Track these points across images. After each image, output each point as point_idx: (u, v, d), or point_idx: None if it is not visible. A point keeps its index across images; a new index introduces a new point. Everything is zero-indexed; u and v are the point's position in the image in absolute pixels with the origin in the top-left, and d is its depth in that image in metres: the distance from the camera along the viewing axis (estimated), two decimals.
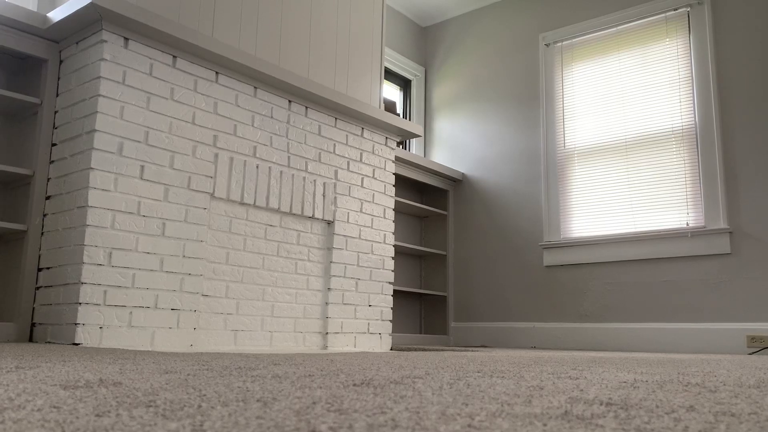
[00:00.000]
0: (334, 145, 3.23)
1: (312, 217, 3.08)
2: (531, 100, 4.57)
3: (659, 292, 3.82)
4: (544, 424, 0.57)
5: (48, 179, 2.46)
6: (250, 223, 2.83)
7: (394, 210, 3.50)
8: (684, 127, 3.90)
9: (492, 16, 4.92)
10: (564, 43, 4.49)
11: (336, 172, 3.22)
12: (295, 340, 2.97)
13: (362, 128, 3.39)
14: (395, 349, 3.35)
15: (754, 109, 3.68)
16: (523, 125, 4.58)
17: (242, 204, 2.80)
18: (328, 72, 3.30)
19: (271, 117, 2.95)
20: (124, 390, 0.76)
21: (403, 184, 4.59)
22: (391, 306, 3.43)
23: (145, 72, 2.48)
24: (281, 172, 2.95)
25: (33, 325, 2.36)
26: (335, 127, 3.25)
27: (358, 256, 3.28)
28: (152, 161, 2.46)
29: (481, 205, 4.66)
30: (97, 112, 2.31)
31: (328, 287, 3.11)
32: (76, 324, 2.17)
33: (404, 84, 5.19)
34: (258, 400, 0.69)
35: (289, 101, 3.04)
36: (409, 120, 5.11)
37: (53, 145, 2.48)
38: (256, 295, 2.82)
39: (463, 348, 3.86)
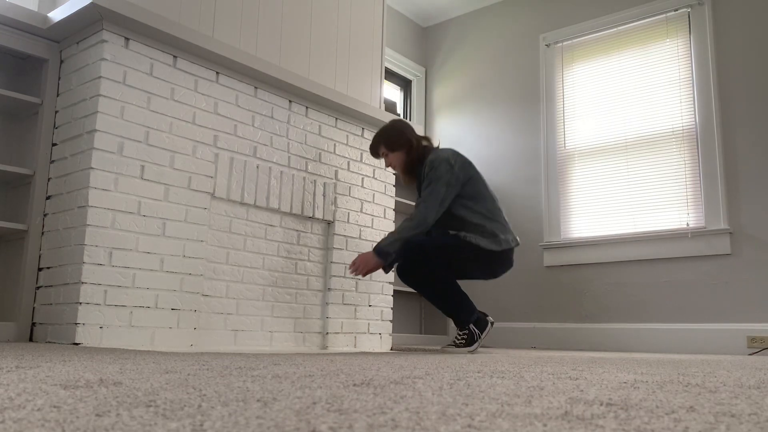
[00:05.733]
0: (335, 145, 3.23)
1: (312, 217, 3.08)
2: (531, 100, 4.57)
3: (659, 292, 3.82)
4: (544, 425, 0.57)
5: (48, 179, 2.46)
6: (250, 222, 2.83)
7: (394, 210, 3.50)
8: (684, 128, 3.90)
9: (492, 16, 4.92)
10: (564, 43, 4.48)
11: (336, 172, 3.22)
12: (295, 340, 2.97)
13: (362, 128, 3.39)
14: (395, 349, 3.35)
15: (755, 110, 3.68)
16: (524, 125, 4.58)
17: (242, 204, 2.80)
18: (329, 72, 3.30)
19: (272, 117, 2.95)
20: (125, 390, 0.77)
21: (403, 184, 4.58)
22: (391, 306, 3.43)
23: (146, 72, 2.48)
24: (281, 172, 2.95)
25: (33, 324, 2.36)
26: (335, 127, 3.25)
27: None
28: (152, 161, 2.46)
29: None
30: (97, 111, 2.31)
31: (328, 287, 3.11)
32: (76, 324, 2.17)
33: (405, 84, 5.19)
34: (258, 400, 0.69)
35: (290, 101, 3.04)
36: (410, 120, 5.11)
37: (54, 144, 2.49)
38: (256, 295, 2.82)
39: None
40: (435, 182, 2.77)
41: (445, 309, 2.84)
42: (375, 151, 3.03)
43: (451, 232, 2.81)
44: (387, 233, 2.96)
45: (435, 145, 3.07)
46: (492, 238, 2.78)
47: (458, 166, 2.84)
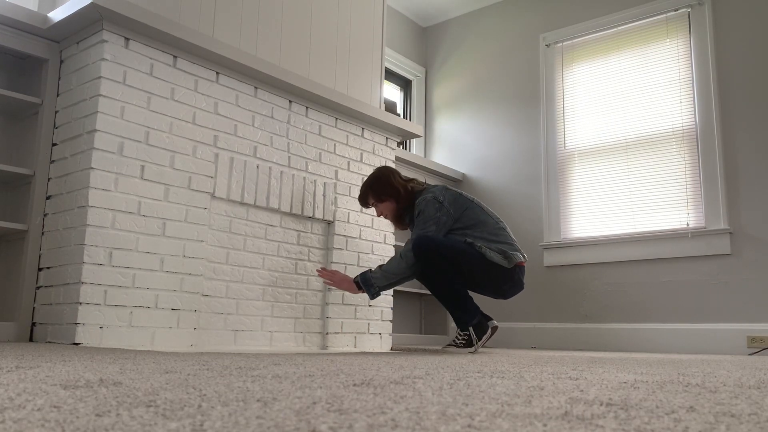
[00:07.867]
0: (335, 145, 3.23)
1: (312, 217, 3.08)
2: (531, 100, 4.57)
3: (659, 292, 3.82)
4: (544, 425, 0.57)
5: (48, 179, 2.46)
6: (250, 222, 2.83)
7: None
8: (684, 128, 3.90)
9: (492, 16, 4.92)
10: (564, 43, 4.48)
11: (336, 172, 3.22)
12: (295, 340, 2.97)
13: (362, 128, 3.39)
14: (395, 349, 3.35)
15: (755, 109, 3.68)
16: (524, 125, 4.58)
17: (242, 204, 2.80)
18: (329, 72, 3.30)
19: (272, 117, 2.95)
20: (125, 390, 0.77)
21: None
22: (391, 306, 3.43)
23: (146, 72, 2.48)
24: (281, 172, 2.95)
25: (33, 324, 2.36)
26: (335, 127, 3.25)
27: (359, 256, 3.28)
28: (152, 161, 2.46)
29: None
30: (97, 111, 2.31)
31: (328, 287, 3.11)
32: (76, 324, 2.17)
33: (405, 84, 5.19)
34: (258, 400, 0.69)
35: (290, 101, 3.04)
36: (410, 120, 5.11)
37: (54, 144, 2.49)
38: (256, 295, 2.82)
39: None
40: (423, 224, 2.78)
41: (447, 304, 2.84)
42: (364, 201, 3.02)
43: (468, 240, 2.78)
44: (376, 266, 2.91)
45: (422, 182, 3.04)
46: (501, 254, 2.78)
47: (448, 201, 2.83)
